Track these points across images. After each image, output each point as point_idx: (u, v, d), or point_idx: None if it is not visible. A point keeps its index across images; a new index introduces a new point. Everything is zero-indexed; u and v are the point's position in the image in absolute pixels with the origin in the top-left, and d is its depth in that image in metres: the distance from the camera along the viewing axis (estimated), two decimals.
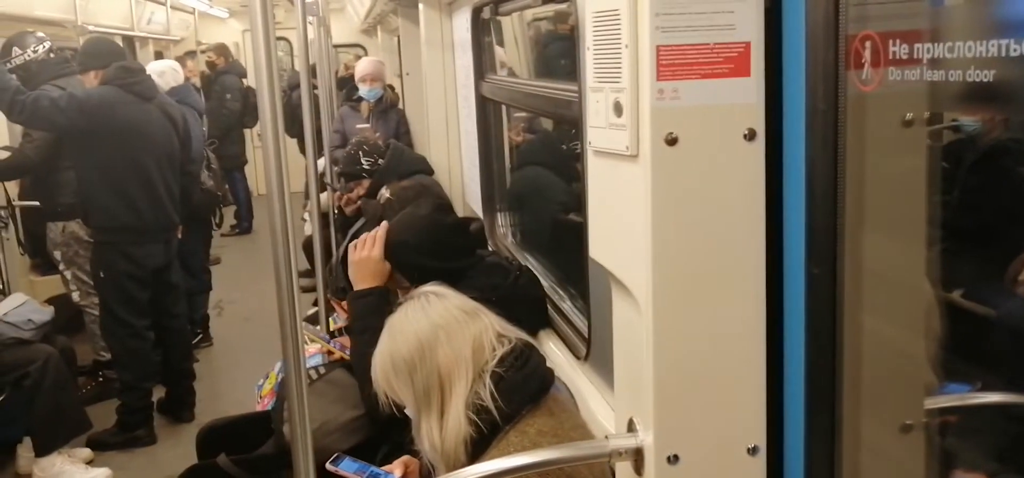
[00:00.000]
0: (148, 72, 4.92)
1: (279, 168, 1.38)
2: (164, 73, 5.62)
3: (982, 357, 1.34)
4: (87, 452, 4.56)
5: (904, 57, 1.07)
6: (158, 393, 5.03)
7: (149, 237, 4.63)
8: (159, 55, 9.12)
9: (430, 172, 4.41)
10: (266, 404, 3.24)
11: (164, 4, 8.87)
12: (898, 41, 1.08)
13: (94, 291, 4.82)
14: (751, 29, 1.29)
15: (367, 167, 4.30)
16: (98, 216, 4.56)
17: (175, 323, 5.02)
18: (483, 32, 3.65)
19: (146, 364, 4.74)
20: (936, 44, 1.02)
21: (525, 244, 3.67)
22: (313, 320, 3.61)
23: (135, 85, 4.55)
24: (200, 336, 6.14)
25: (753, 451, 1.43)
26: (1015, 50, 0.91)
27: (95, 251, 4.65)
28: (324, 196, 5.17)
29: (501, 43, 4.10)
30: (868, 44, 1.12)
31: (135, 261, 4.60)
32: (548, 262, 3.24)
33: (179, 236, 5.03)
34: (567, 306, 2.75)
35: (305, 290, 5.96)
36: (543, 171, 3.46)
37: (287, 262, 1.41)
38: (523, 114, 3.78)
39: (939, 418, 1.43)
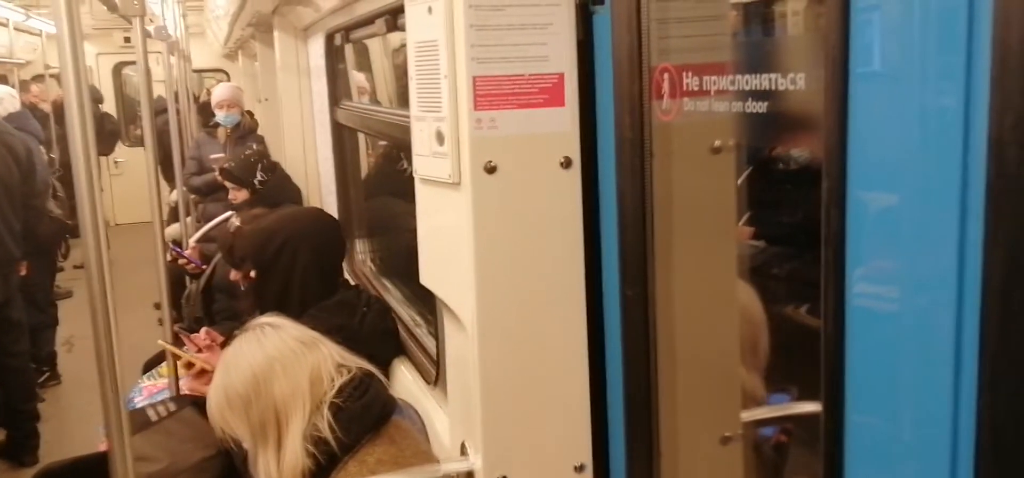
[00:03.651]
0: None
1: (91, 198, 1.33)
2: (1, 100, 5.33)
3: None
4: None
5: (696, 88, 1.14)
6: None
7: None
8: (3, 79, 8.64)
9: (300, 203, 4.32)
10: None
11: (6, 25, 8.40)
12: (690, 73, 1.14)
13: None
14: (564, 60, 1.33)
15: (257, 183, 4.15)
16: None
17: (15, 362, 4.74)
18: (337, 59, 3.63)
19: None
20: (720, 77, 1.09)
21: (383, 270, 3.65)
22: (162, 356, 3.47)
23: None
24: (47, 374, 5.80)
25: (580, 469, 1.47)
26: (784, 84, 0.98)
27: None
28: (177, 226, 5.01)
29: (366, 69, 4.08)
30: (666, 76, 1.18)
31: None
32: (404, 287, 3.23)
33: (23, 272, 4.76)
34: (421, 331, 2.75)
35: (161, 322, 5.72)
36: (393, 198, 3.47)
37: (102, 296, 1.37)
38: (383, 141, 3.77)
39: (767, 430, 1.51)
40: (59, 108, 8.42)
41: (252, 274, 2.73)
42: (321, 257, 2.76)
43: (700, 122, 1.21)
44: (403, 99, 3.73)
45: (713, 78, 1.15)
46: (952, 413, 0.74)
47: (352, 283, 3.17)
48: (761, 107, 1.03)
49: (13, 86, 7.12)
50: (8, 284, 4.58)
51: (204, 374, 2.68)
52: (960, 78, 0.71)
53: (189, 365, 2.88)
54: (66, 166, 7.30)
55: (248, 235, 2.83)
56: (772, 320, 1.43)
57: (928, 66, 0.76)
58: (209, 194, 5.22)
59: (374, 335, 2.56)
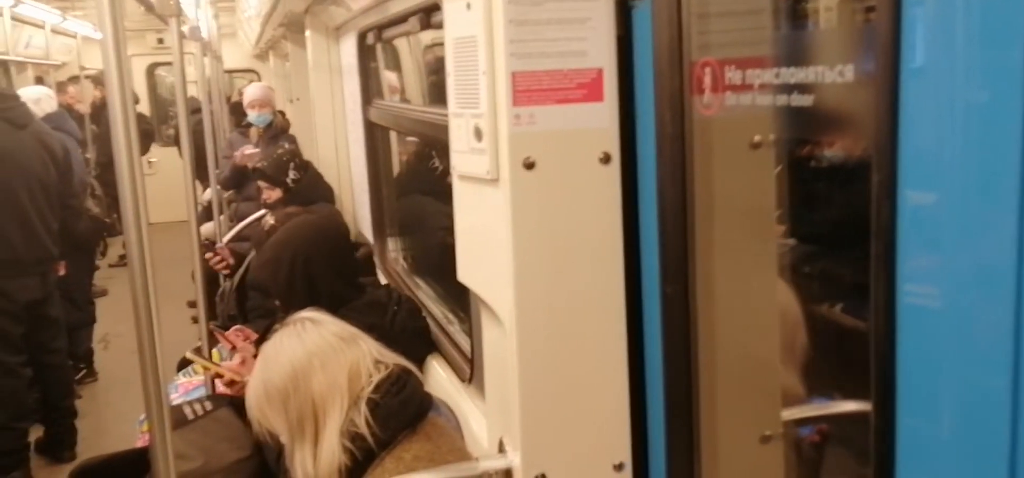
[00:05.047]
0: (23, 99, 4.72)
1: (134, 196, 1.34)
2: (39, 100, 5.41)
3: (856, 369, 1.40)
4: None
5: (739, 83, 1.12)
6: (37, 433, 4.80)
7: (23, 270, 4.41)
8: (40, 80, 8.78)
9: (333, 201, 4.35)
10: (147, 439, 3.12)
11: (43, 27, 8.53)
12: (733, 67, 1.13)
13: None
14: (603, 56, 1.32)
15: (290, 182, 4.18)
16: None
17: (54, 359, 4.80)
18: (369, 57, 3.64)
19: (21, 403, 4.50)
20: (762, 71, 1.07)
21: (415, 268, 3.66)
22: (198, 353, 3.50)
23: (7, 111, 4.34)
24: (84, 371, 5.90)
25: (619, 467, 1.46)
26: (832, 77, 0.97)
27: None
28: (211, 225, 5.05)
29: (396, 68, 4.08)
30: (708, 70, 1.17)
31: (7, 295, 4.36)
32: (437, 285, 3.24)
33: (62, 272, 4.82)
34: (454, 329, 2.75)
35: (197, 321, 5.78)
36: (426, 197, 3.47)
37: (144, 291, 1.38)
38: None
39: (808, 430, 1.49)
40: (95, 109, 8.54)
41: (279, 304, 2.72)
42: (334, 258, 2.75)
43: (740, 117, 1.19)
44: (433, 97, 3.74)
45: (755, 72, 1.13)
46: (1010, 415, 0.72)
47: (383, 281, 3.18)
48: (805, 101, 1.01)
49: (49, 87, 7.22)
50: (47, 282, 4.65)
51: (236, 382, 2.70)
52: (1019, 71, 0.69)
53: (220, 375, 2.90)
54: (103, 165, 7.41)
55: (257, 269, 2.81)
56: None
57: (985, 59, 0.74)
58: (235, 183, 5.26)
59: (405, 334, 2.57)
